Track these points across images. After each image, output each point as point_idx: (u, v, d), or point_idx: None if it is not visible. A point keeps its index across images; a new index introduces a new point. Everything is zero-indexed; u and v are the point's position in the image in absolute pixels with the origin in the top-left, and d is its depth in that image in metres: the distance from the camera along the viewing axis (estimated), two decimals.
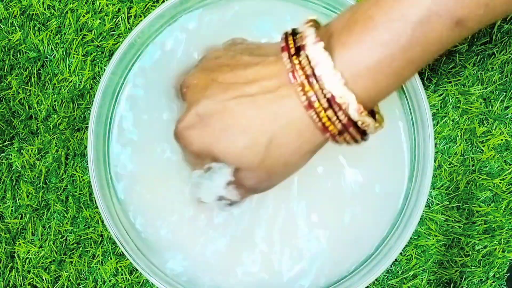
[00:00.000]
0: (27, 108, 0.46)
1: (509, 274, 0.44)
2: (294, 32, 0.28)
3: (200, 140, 0.30)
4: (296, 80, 0.26)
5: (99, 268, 0.45)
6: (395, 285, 0.45)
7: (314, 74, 0.26)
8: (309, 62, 0.26)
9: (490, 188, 0.45)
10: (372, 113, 0.29)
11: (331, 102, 0.26)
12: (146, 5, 0.46)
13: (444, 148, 0.46)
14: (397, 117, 0.42)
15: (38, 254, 0.45)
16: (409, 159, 0.41)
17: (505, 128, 0.46)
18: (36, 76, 0.46)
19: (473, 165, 0.45)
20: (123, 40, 0.45)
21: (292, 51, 0.27)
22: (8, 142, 0.46)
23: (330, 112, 0.26)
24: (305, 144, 0.28)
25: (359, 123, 0.27)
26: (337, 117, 0.26)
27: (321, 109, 0.26)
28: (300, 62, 0.26)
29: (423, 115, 0.39)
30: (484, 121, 0.46)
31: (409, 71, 0.26)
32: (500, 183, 0.45)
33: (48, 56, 0.46)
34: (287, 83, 0.27)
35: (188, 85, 0.33)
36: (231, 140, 0.29)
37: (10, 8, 0.46)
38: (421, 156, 0.40)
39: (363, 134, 0.28)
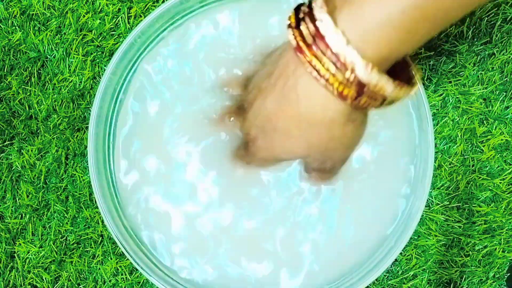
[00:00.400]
0: (27, 108, 0.46)
1: (509, 274, 0.44)
2: (299, 7, 0.28)
3: (261, 148, 0.33)
4: (302, 53, 0.26)
5: (99, 268, 0.45)
6: (395, 285, 0.45)
7: (315, 41, 0.25)
8: (310, 31, 0.26)
9: (490, 188, 0.45)
10: (408, 80, 0.28)
11: (336, 64, 0.25)
12: (146, 5, 0.46)
13: (444, 148, 0.46)
14: (397, 117, 0.42)
15: (38, 254, 0.45)
16: (409, 159, 0.41)
17: (505, 128, 0.46)
18: (36, 76, 0.46)
19: (473, 165, 0.45)
20: (123, 40, 0.45)
21: (293, 24, 0.27)
22: (8, 142, 0.46)
23: (340, 76, 0.25)
24: (337, 115, 0.28)
25: (372, 84, 0.25)
26: (347, 80, 0.25)
27: (329, 74, 0.26)
28: (301, 34, 0.26)
29: (423, 115, 0.39)
30: (484, 121, 0.46)
31: (424, 28, 0.25)
32: (500, 183, 0.45)
33: (48, 56, 0.46)
34: (299, 62, 0.27)
35: (246, 99, 0.35)
36: (282, 137, 0.31)
37: (10, 8, 0.46)
38: (421, 156, 0.40)
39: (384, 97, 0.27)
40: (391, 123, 0.41)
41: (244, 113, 0.34)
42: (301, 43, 0.26)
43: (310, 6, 0.26)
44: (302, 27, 0.26)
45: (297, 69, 0.28)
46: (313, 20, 0.26)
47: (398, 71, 0.28)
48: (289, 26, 0.27)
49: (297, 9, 0.27)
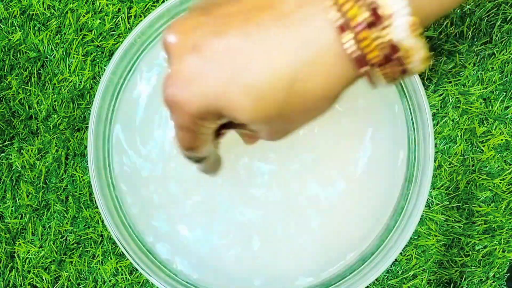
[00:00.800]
0: (27, 108, 0.46)
1: (509, 274, 0.44)
2: None
3: (202, 96, 0.22)
4: None
5: (99, 268, 0.45)
6: (395, 285, 0.45)
7: None
8: None
9: (490, 188, 0.45)
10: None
11: (374, 14, 0.19)
12: (146, 5, 0.46)
13: (444, 148, 0.45)
14: (397, 117, 0.42)
15: (38, 254, 0.45)
16: (409, 159, 0.41)
17: (505, 128, 0.46)
18: (36, 76, 0.46)
19: (473, 165, 0.45)
20: (123, 40, 0.45)
21: None
22: (8, 142, 0.46)
23: (374, 32, 0.19)
24: (332, 85, 0.21)
25: (407, 48, 0.20)
26: (381, 38, 0.19)
27: (361, 27, 0.19)
28: None
29: (423, 115, 0.39)
30: (484, 121, 0.46)
31: None
32: (500, 183, 0.45)
33: (48, 56, 0.46)
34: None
35: (171, 30, 0.23)
36: (243, 88, 0.21)
37: (10, 8, 0.46)
38: (421, 156, 0.40)
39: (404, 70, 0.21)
40: (391, 123, 0.41)
41: (173, 37, 0.22)
42: None
43: None
44: None
45: (310, 3, 0.20)
46: None
47: None
48: None
49: None
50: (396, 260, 0.45)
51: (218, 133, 0.26)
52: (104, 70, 0.45)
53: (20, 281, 0.45)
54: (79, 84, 0.46)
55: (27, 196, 0.45)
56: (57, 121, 0.45)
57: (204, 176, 0.39)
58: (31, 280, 0.45)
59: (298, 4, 0.20)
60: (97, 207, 0.45)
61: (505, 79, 0.46)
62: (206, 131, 0.24)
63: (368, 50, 0.20)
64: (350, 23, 0.19)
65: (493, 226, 0.45)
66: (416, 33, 0.20)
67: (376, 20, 0.19)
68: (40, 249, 0.45)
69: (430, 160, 0.39)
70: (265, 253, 0.41)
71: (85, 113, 0.46)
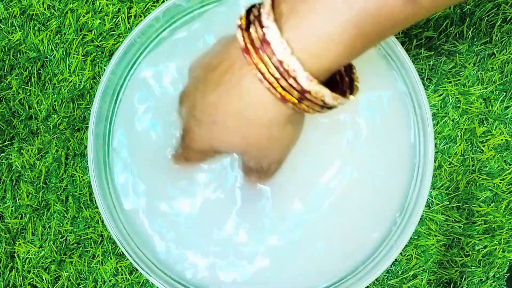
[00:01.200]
0: (27, 108, 0.46)
1: (509, 274, 0.44)
2: (251, 8, 0.29)
3: (199, 138, 0.33)
4: (249, 55, 0.27)
5: (99, 268, 0.45)
6: (395, 285, 0.45)
7: (262, 46, 0.27)
8: (258, 35, 0.27)
9: (490, 188, 0.45)
10: (351, 84, 0.30)
11: (280, 70, 0.27)
12: (146, 5, 0.46)
13: (444, 148, 0.45)
14: (398, 117, 0.42)
15: (38, 254, 0.45)
16: (409, 159, 0.41)
17: (505, 128, 0.46)
18: (36, 76, 0.46)
19: (473, 165, 0.45)
20: (123, 40, 0.45)
21: (244, 25, 0.28)
22: (8, 142, 0.46)
23: (283, 82, 0.27)
24: (277, 116, 0.30)
25: (313, 93, 0.27)
26: (291, 85, 0.27)
27: (273, 79, 0.27)
28: (250, 36, 0.27)
29: (423, 115, 0.39)
30: (484, 121, 0.46)
31: (362, 44, 0.27)
32: (500, 183, 0.45)
33: (48, 56, 0.46)
34: (246, 62, 0.28)
35: (184, 93, 0.35)
36: (221, 131, 0.31)
37: (10, 8, 0.46)
38: (421, 156, 0.40)
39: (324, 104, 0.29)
40: (391, 123, 0.41)
41: (182, 104, 0.35)
42: (249, 46, 0.27)
43: (259, 11, 0.27)
44: (251, 29, 0.27)
45: (243, 68, 0.29)
46: (261, 25, 0.27)
47: (343, 72, 0.31)
48: (239, 27, 0.28)
49: (249, 11, 0.28)
50: (396, 260, 0.45)
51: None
52: (104, 70, 0.45)
53: (20, 281, 0.45)
54: (79, 84, 0.46)
55: (27, 196, 0.45)
56: (57, 121, 0.45)
57: (212, 177, 0.39)
58: (31, 280, 0.45)
59: (241, 70, 0.29)
60: (97, 207, 0.45)
61: (505, 79, 0.46)
62: (205, 158, 0.38)
63: (284, 93, 0.27)
64: (265, 76, 0.27)
65: (493, 226, 0.45)
66: (314, 82, 0.27)
67: (285, 73, 0.27)
68: (40, 249, 0.45)
69: (430, 160, 0.39)
70: (265, 252, 0.41)
71: (85, 113, 0.45)
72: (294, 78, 0.27)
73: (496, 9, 0.46)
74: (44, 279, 0.45)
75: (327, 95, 0.28)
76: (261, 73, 0.27)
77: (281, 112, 0.29)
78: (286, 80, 0.27)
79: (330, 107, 0.29)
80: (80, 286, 0.45)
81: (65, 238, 0.45)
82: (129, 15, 0.46)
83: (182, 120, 0.36)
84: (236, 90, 0.29)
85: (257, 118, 0.30)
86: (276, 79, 0.27)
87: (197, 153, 0.36)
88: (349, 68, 0.31)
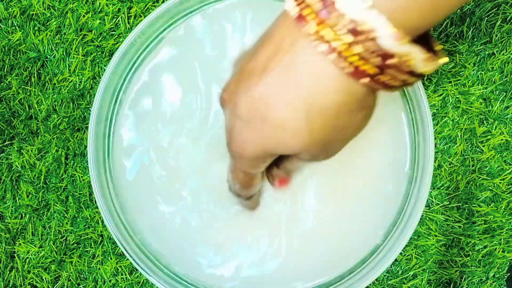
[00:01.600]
0: (27, 108, 0.46)
1: (509, 274, 0.44)
2: None
3: (250, 143, 0.27)
4: (305, 22, 0.22)
5: (99, 268, 0.45)
6: (395, 285, 0.45)
7: (326, 7, 0.21)
8: None
9: (490, 188, 0.45)
10: (428, 47, 0.24)
11: (353, 33, 0.21)
12: (146, 5, 0.46)
13: (444, 148, 0.45)
14: (398, 117, 0.42)
15: (38, 254, 0.45)
16: (409, 159, 0.41)
17: (505, 128, 0.46)
18: (36, 76, 0.46)
19: (473, 165, 0.45)
20: (123, 40, 0.45)
21: None
22: (8, 142, 0.46)
23: (358, 47, 0.21)
24: (348, 99, 0.24)
25: (399, 56, 0.22)
26: (368, 51, 0.21)
27: (344, 46, 0.21)
28: (303, 1, 0.22)
29: (423, 115, 0.39)
30: (484, 121, 0.46)
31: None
32: (500, 183, 0.45)
33: (48, 56, 0.46)
34: (301, 34, 0.23)
35: (224, 92, 0.29)
36: (272, 129, 0.26)
37: (10, 8, 0.46)
38: (421, 156, 0.40)
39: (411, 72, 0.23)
40: (390, 123, 0.41)
41: (224, 106, 0.29)
42: (305, 12, 0.22)
43: None
44: None
45: (296, 43, 0.23)
46: None
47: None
48: None
49: None
50: (396, 260, 0.45)
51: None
52: (104, 70, 0.45)
53: (20, 281, 0.45)
54: (79, 84, 0.46)
55: (27, 196, 0.45)
56: (57, 121, 0.45)
57: (209, 179, 0.39)
58: (31, 280, 0.45)
59: (292, 46, 0.24)
60: (97, 207, 0.45)
61: (505, 79, 0.46)
62: (259, 170, 0.31)
63: (359, 63, 0.22)
64: (332, 45, 0.22)
65: (493, 226, 0.45)
66: (403, 41, 0.21)
67: (360, 36, 0.21)
68: (40, 249, 0.45)
69: (430, 160, 0.39)
70: (266, 252, 0.41)
71: (85, 113, 0.45)
72: (373, 40, 0.21)
73: (496, 9, 0.46)
74: (44, 279, 0.45)
75: (419, 57, 0.22)
76: (326, 41, 0.22)
77: (352, 94, 0.24)
78: (362, 44, 0.21)
79: (418, 76, 0.23)
80: (80, 286, 0.45)
81: (65, 238, 0.45)
82: (129, 15, 0.46)
83: (226, 129, 0.29)
84: (290, 73, 0.24)
85: (322, 106, 0.24)
86: (348, 44, 0.21)
87: (251, 162, 0.29)
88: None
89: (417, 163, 0.41)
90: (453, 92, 0.46)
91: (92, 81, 0.46)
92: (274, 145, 0.26)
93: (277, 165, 0.34)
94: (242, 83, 0.26)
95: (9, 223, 0.45)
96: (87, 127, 0.45)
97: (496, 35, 0.46)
